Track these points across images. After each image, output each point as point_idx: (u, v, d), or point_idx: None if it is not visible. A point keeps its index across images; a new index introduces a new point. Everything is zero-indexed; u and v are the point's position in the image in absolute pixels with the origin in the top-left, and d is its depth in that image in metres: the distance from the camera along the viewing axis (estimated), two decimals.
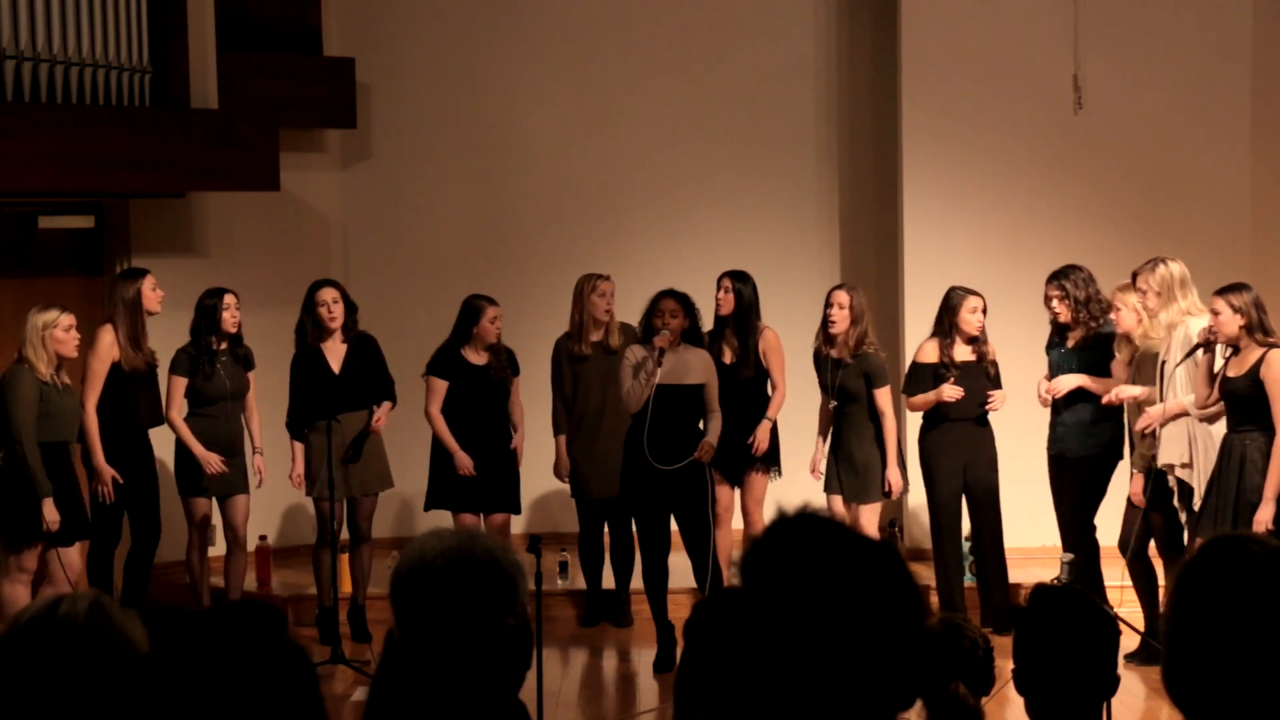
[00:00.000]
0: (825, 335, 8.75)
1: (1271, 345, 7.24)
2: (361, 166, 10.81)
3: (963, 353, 8.68)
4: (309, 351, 8.80)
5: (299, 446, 8.76)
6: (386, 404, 8.89)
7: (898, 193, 10.19)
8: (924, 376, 8.69)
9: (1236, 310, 7.24)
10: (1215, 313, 7.30)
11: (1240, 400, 7.28)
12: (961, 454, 8.68)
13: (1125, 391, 7.97)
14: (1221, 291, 7.36)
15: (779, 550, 2.01)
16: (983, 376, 8.67)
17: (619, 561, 9.07)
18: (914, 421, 9.00)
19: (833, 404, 8.70)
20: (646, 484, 8.16)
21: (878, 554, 2.03)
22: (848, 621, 1.96)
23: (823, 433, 8.90)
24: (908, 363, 9.34)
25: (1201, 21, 10.04)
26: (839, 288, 8.89)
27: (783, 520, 2.04)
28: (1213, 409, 7.49)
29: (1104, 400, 8.08)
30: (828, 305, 8.76)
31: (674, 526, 8.30)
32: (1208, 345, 7.42)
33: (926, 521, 10.00)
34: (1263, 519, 7.16)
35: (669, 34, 10.74)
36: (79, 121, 8.82)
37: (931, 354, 8.68)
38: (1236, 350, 7.33)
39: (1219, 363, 7.44)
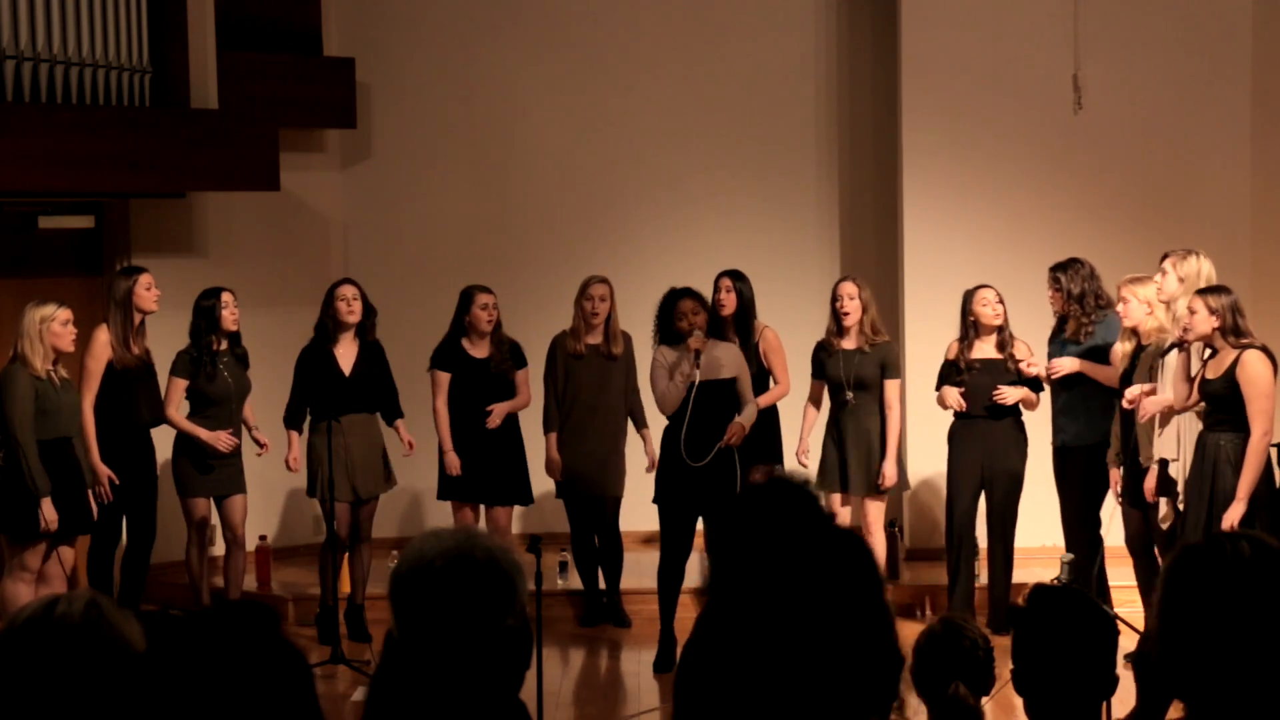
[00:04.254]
0: (838, 328, 8.75)
1: (1246, 346, 7.25)
2: (361, 166, 10.81)
3: (985, 349, 8.68)
4: (321, 350, 8.79)
5: (294, 434, 8.78)
6: (401, 423, 8.94)
7: (898, 192, 10.19)
8: (946, 374, 8.74)
9: (1213, 311, 7.25)
10: (1191, 311, 7.30)
11: (1217, 400, 7.30)
12: (978, 451, 8.67)
13: (1150, 404, 7.76)
14: (1202, 292, 7.37)
15: (744, 517, 2.05)
16: (1002, 371, 8.65)
17: (609, 562, 9.09)
18: (945, 417, 8.94)
19: (849, 395, 8.69)
20: (679, 483, 8.19)
21: (841, 534, 2.06)
22: (808, 592, 1.98)
23: (809, 422, 8.91)
24: (909, 361, 9.35)
25: (1201, 22, 10.03)
26: (845, 280, 8.91)
27: (752, 489, 2.09)
28: (1194, 406, 7.49)
29: (1125, 403, 7.98)
30: (836, 299, 8.77)
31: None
32: (1182, 345, 7.43)
33: (927, 520, 10.02)
34: (1231, 518, 7.15)
35: (669, 33, 10.74)
36: (79, 121, 8.82)
37: (953, 353, 8.73)
38: (1215, 351, 7.33)
39: (1196, 363, 7.44)
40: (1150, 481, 7.88)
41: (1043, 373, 8.51)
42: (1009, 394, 8.58)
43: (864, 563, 2.08)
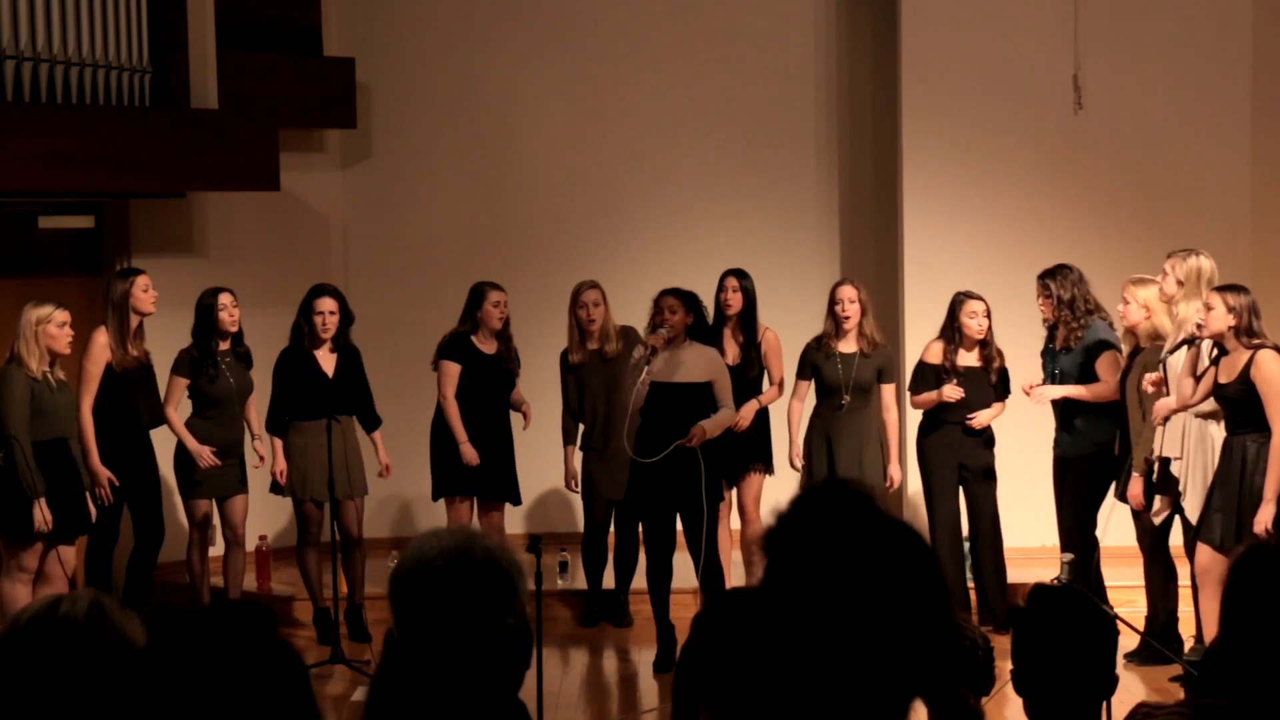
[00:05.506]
0: (837, 330, 8.74)
1: (1259, 346, 7.22)
2: (361, 166, 10.81)
3: (968, 358, 8.68)
4: (301, 354, 8.79)
5: (278, 443, 8.77)
6: (379, 436, 8.94)
7: (897, 192, 10.20)
8: (927, 377, 8.73)
9: (1231, 309, 7.21)
10: (1209, 307, 7.27)
11: (1235, 404, 7.26)
12: (955, 455, 8.69)
13: (1161, 406, 7.68)
14: (1220, 289, 7.34)
15: (805, 523, 1.98)
16: (984, 383, 8.66)
17: (621, 562, 9.08)
18: (912, 422, 9.00)
19: (845, 399, 8.68)
20: (644, 482, 8.16)
21: (903, 533, 2.01)
22: (873, 598, 1.94)
23: (795, 423, 8.90)
24: (908, 362, 9.34)
25: (1201, 22, 10.04)
26: (843, 283, 8.90)
27: (810, 492, 2.01)
28: (1197, 404, 7.47)
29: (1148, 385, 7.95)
30: (835, 302, 8.76)
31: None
32: (1192, 341, 7.40)
33: (925, 520, 10.01)
34: (1263, 519, 7.14)
35: (669, 34, 10.74)
36: (79, 121, 8.82)
37: (936, 355, 8.72)
38: (1224, 352, 7.31)
39: (1204, 361, 7.42)
40: (1135, 488, 7.89)
41: (1035, 397, 8.47)
42: (978, 422, 8.62)
43: (925, 562, 2.03)
